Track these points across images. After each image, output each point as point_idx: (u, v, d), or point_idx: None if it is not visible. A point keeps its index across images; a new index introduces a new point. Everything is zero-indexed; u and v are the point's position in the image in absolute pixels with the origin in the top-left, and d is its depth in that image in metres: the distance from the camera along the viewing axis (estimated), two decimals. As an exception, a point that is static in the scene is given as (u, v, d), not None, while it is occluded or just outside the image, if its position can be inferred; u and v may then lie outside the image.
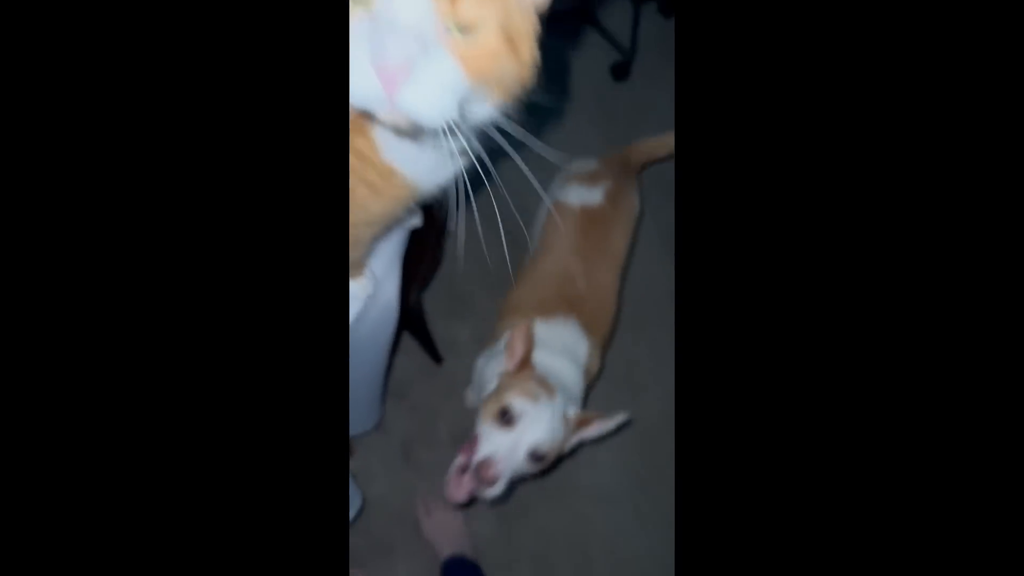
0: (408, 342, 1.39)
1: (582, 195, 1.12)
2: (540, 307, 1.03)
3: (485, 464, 0.78)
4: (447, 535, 1.20)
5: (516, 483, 0.88)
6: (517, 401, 0.81)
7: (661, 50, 1.83)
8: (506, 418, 0.81)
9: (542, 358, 0.92)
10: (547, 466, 0.88)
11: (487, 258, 1.55)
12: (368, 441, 1.28)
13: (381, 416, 1.22)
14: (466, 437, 1.37)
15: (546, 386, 0.86)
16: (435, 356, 1.40)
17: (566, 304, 1.03)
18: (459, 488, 0.82)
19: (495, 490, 0.81)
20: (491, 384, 0.92)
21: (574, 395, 0.95)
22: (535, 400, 0.82)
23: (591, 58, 1.79)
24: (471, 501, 0.92)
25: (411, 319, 1.23)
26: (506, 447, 0.79)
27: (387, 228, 0.67)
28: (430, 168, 0.53)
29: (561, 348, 0.98)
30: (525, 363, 0.87)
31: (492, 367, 0.97)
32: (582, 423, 0.89)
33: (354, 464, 1.27)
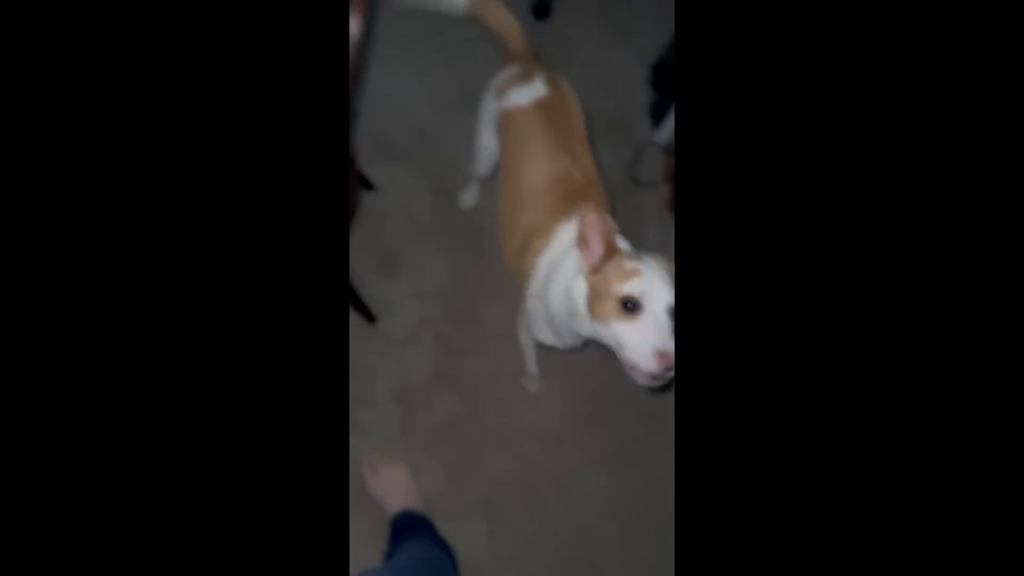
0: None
1: (528, 92, 1.09)
2: (556, 212, 0.99)
3: (663, 355, 0.73)
4: (395, 491, 1.19)
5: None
6: (632, 285, 0.76)
7: (579, -14, 1.77)
8: (631, 307, 0.76)
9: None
10: None
11: (413, 213, 1.50)
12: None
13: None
14: (406, 393, 1.34)
15: (634, 257, 0.81)
16: (368, 316, 1.35)
17: (576, 198, 1.00)
18: (652, 375, 0.75)
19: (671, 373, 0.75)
20: (580, 299, 0.85)
21: None
22: (640, 274, 0.77)
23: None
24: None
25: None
26: (654, 330, 0.75)
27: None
28: None
29: None
30: (611, 248, 0.80)
31: (555, 289, 0.90)
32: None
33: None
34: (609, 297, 0.79)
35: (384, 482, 1.19)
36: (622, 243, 0.92)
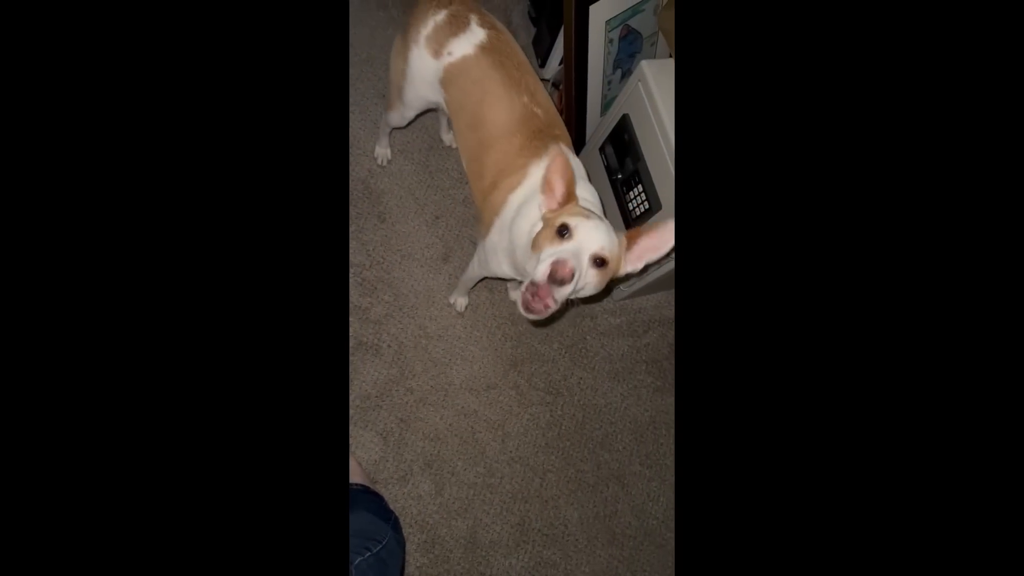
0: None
1: (469, 40, 1.06)
2: (525, 153, 1.01)
3: (559, 263, 0.79)
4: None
5: (570, 304, 0.86)
6: (571, 219, 0.83)
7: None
8: (564, 233, 0.82)
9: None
10: (604, 284, 0.87)
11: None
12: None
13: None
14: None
15: (591, 213, 0.86)
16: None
17: (544, 136, 1.02)
18: (535, 301, 0.80)
19: (566, 290, 0.80)
20: (531, 235, 0.89)
21: (600, 212, 0.97)
22: (586, 217, 0.84)
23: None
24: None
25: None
26: (571, 251, 0.81)
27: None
28: None
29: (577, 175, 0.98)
30: (570, 196, 0.85)
31: (522, 224, 0.93)
32: (633, 237, 0.88)
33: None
34: (550, 228, 0.85)
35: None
36: (584, 188, 0.98)
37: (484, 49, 1.06)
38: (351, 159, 1.46)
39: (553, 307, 0.81)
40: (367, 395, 1.31)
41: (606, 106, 1.57)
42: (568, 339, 1.49)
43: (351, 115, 1.49)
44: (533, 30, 1.72)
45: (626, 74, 1.53)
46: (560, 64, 1.59)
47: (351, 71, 1.52)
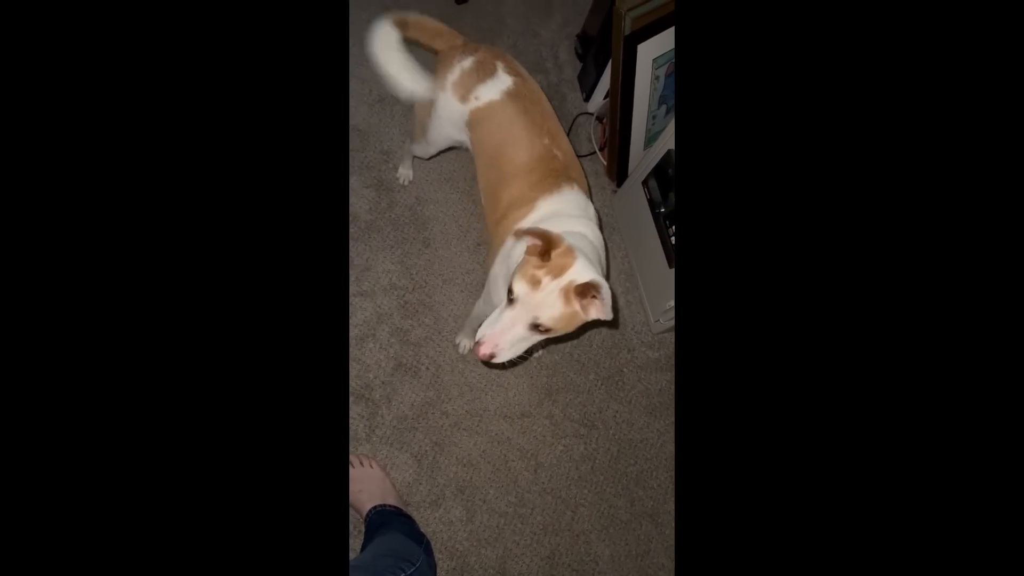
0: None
1: (496, 86, 1.11)
2: (537, 188, 1.06)
3: (477, 346, 0.89)
4: (367, 491, 1.19)
5: (537, 348, 0.92)
6: (517, 285, 0.89)
7: (495, -38, 1.75)
8: (510, 298, 0.89)
9: (565, 225, 0.97)
10: (564, 333, 0.93)
11: (355, 212, 1.47)
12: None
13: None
14: (369, 390, 1.35)
15: (560, 263, 0.89)
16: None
17: (560, 177, 1.07)
18: (477, 347, 0.90)
19: (499, 359, 0.89)
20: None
21: (599, 253, 1.02)
22: (533, 285, 0.88)
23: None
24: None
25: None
26: (506, 323, 0.89)
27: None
28: None
29: (577, 212, 1.04)
30: (546, 254, 0.90)
31: (519, 252, 0.98)
32: (575, 293, 0.90)
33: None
34: (520, 272, 0.89)
35: (356, 483, 1.19)
36: (585, 226, 1.02)
37: (510, 95, 1.10)
38: (396, 189, 1.52)
39: (497, 359, 0.89)
40: (404, 416, 1.32)
41: (650, 140, 1.59)
42: (605, 371, 1.48)
43: (394, 151, 1.55)
44: (579, 65, 1.76)
45: (671, 109, 1.54)
46: (605, 98, 1.62)
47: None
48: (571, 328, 0.91)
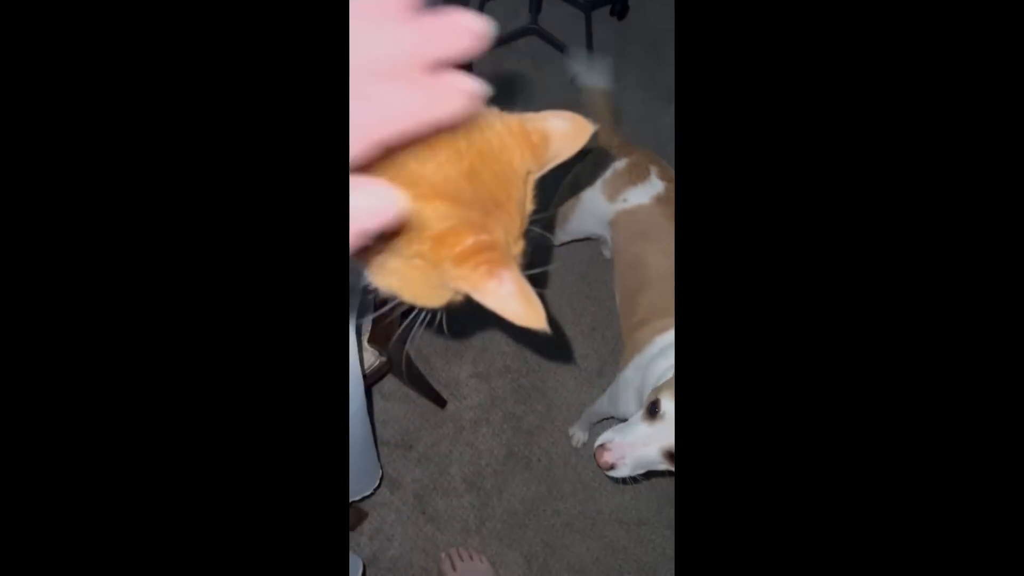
0: (408, 390, 1.34)
1: (647, 191, 1.10)
2: (670, 311, 1.02)
3: (600, 449, 0.81)
4: (476, 587, 1.15)
5: (650, 473, 0.87)
6: (666, 399, 0.81)
7: (615, 53, 1.81)
8: (652, 411, 0.81)
9: None
10: None
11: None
12: (379, 500, 1.23)
13: (381, 473, 1.17)
14: (480, 479, 1.32)
15: None
16: (438, 401, 1.35)
17: None
18: (600, 453, 0.83)
19: (616, 473, 0.82)
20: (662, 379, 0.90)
21: None
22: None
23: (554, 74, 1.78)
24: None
25: (406, 372, 1.19)
26: (640, 439, 0.80)
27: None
28: None
29: None
30: None
31: (661, 365, 0.96)
32: None
33: (368, 526, 1.22)
34: (656, 392, 0.84)
35: (465, 577, 1.16)
36: None
37: (660, 200, 1.09)
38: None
39: (615, 473, 0.81)
40: (514, 511, 1.28)
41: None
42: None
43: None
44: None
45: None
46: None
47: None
48: None
